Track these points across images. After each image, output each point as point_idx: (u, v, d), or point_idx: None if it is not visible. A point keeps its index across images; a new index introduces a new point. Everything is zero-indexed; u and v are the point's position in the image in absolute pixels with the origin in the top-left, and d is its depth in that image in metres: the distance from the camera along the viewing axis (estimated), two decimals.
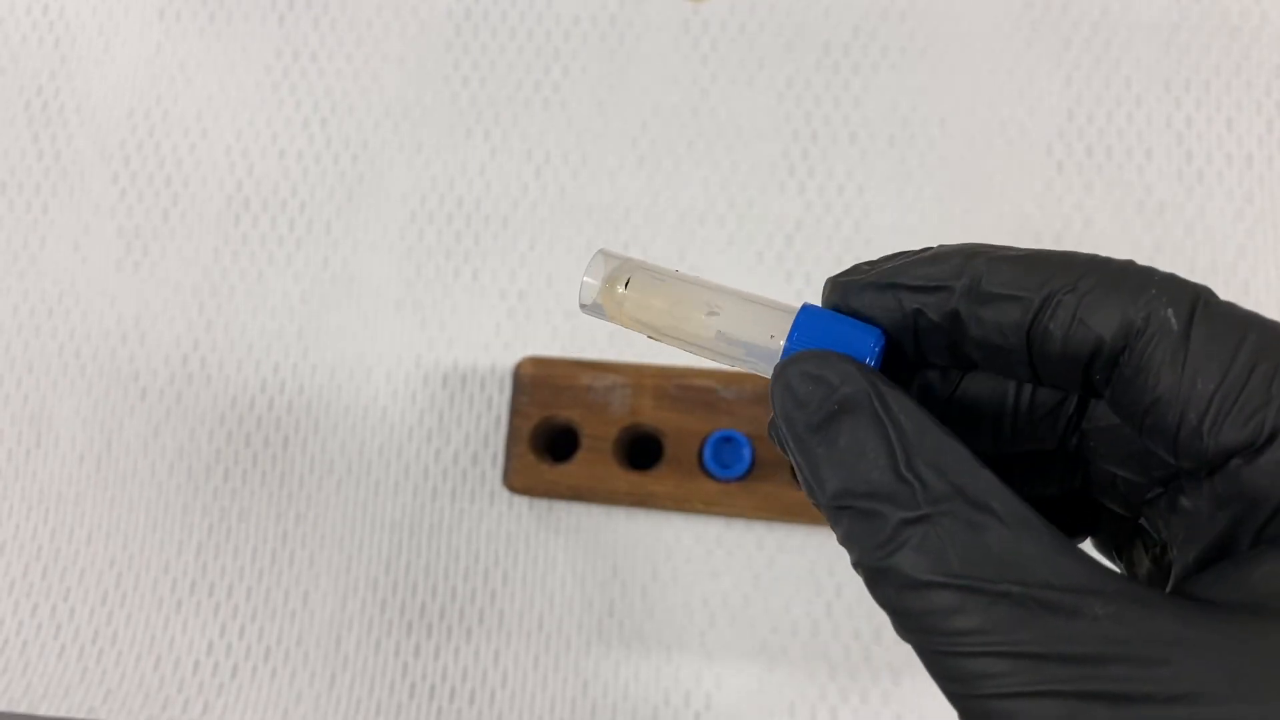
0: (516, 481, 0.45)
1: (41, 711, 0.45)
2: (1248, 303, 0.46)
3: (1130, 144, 0.49)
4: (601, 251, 0.22)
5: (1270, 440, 0.17)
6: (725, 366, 0.22)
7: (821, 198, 0.49)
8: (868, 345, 0.20)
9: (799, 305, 0.21)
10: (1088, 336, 0.18)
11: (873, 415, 0.18)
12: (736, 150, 0.50)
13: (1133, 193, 0.48)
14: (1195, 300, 0.18)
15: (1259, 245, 0.47)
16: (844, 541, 0.18)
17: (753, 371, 0.21)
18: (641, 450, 0.46)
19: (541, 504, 0.46)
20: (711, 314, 0.21)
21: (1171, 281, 0.18)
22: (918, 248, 0.21)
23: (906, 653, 0.44)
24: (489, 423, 0.47)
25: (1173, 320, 0.18)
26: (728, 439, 0.44)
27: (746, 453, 0.44)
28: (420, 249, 0.49)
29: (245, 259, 0.50)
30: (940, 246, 0.20)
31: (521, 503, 0.47)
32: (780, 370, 0.19)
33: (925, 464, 0.18)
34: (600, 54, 0.51)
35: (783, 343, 0.20)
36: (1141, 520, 0.21)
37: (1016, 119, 0.49)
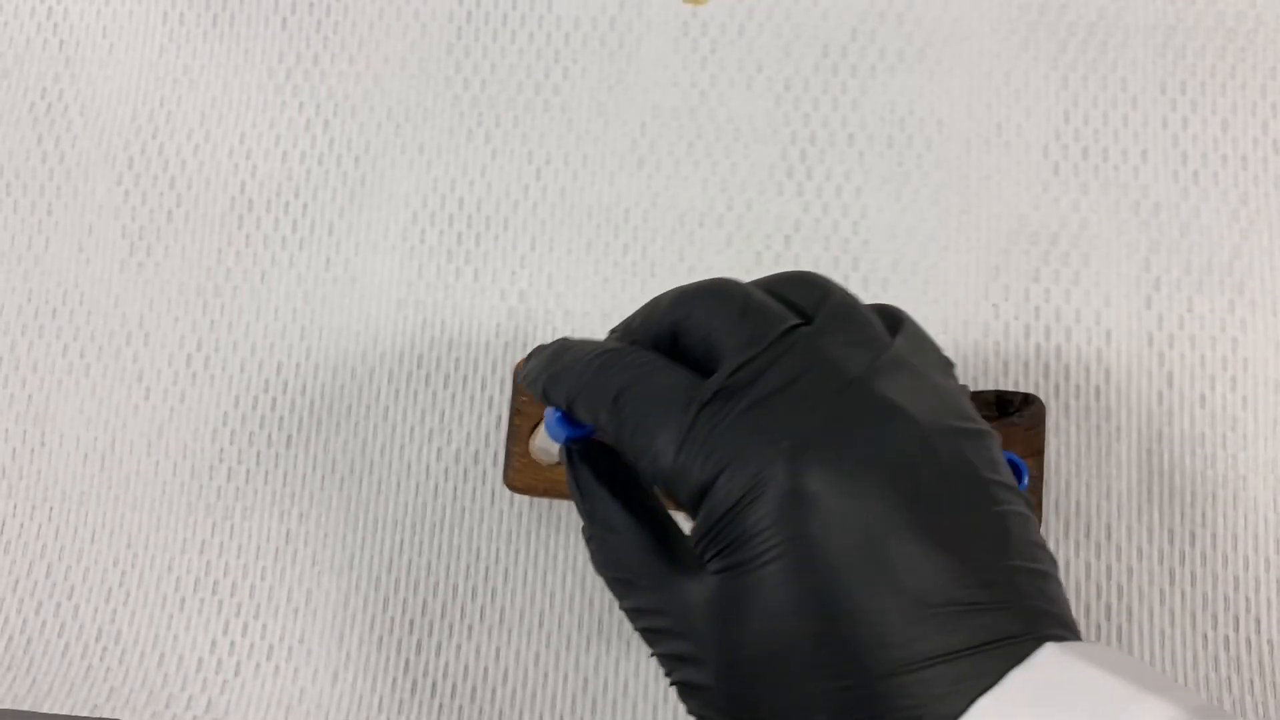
0: (517, 481, 0.46)
1: (45, 709, 0.46)
2: (1243, 303, 0.47)
3: (1126, 145, 0.49)
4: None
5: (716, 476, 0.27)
6: None
7: (820, 198, 0.49)
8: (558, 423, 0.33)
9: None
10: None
11: (574, 486, 0.33)
12: (736, 151, 0.50)
13: (1129, 193, 0.48)
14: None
15: (1254, 246, 0.47)
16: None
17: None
18: None
19: (541, 503, 0.47)
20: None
21: None
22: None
23: None
24: (489, 423, 0.48)
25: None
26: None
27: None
28: (421, 250, 0.50)
29: (248, 259, 0.50)
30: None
31: (522, 502, 0.47)
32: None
33: (594, 508, 0.32)
34: (600, 56, 0.51)
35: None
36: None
37: (1013, 120, 0.49)
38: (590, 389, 0.29)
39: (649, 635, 0.28)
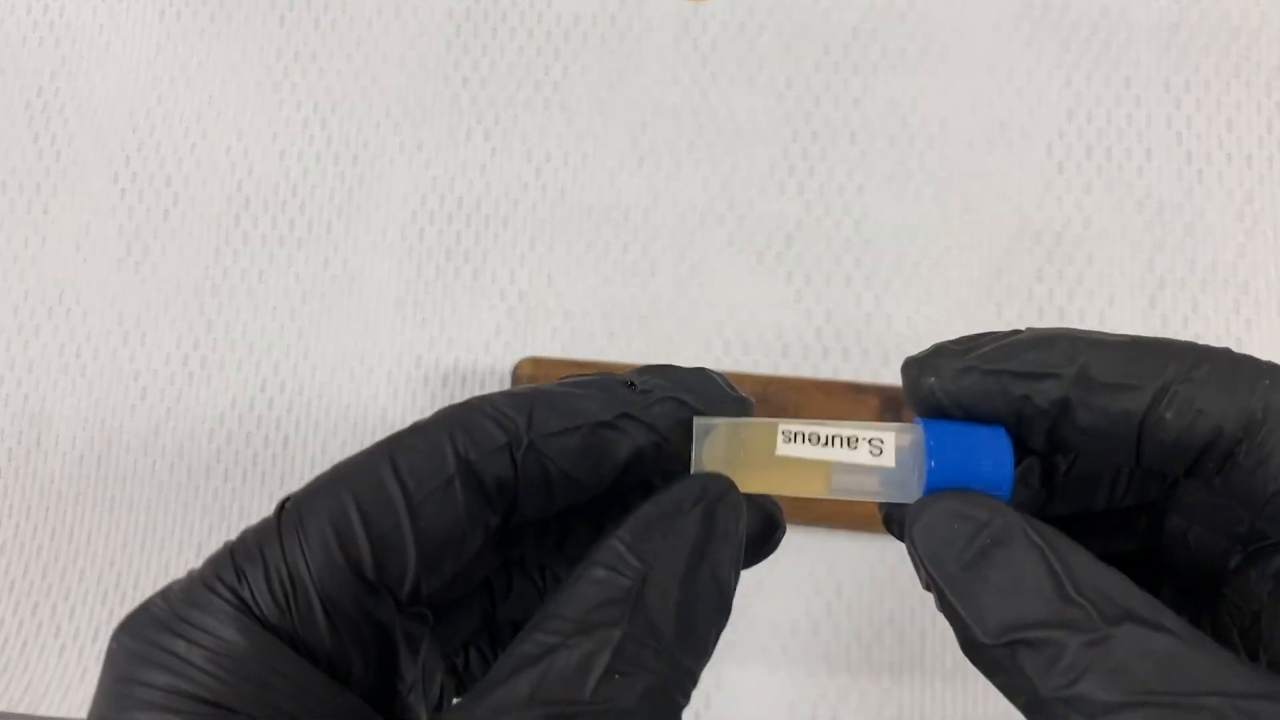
0: None
1: (42, 711, 0.45)
2: (1247, 302, 0.46)
3: (1130, 144, 0.49)
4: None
5: None
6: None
7: (821, 198, 0.49)
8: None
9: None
10: (1206, 427, 0.19)
11: (1029, 544, 0.18)
12: (736, 150, 0.50)
13: (1132, 192, 0.48)
14: None
15: (1258, 245, 0.47)
16: (1013, 681, 0.18)
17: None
18: None
19: None
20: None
21: (1276, 369, 0.19)
22: (1004, 329, 0.21)
23: (907, 653, 0.44)
24: None
25: None
26: None
27: None
28: (420, 249, 0.50)
29: (245, 259, 0.50)
30: (1034, 331, 0.20)
31: None
32: (917, 513, 0.19)
33: (1091, 588, 0.17)
34: (600, 54, 0.51)
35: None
36: (1225, 589, 0.21)
37: (1016, 119, 0.49)
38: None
39: None
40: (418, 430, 0.21)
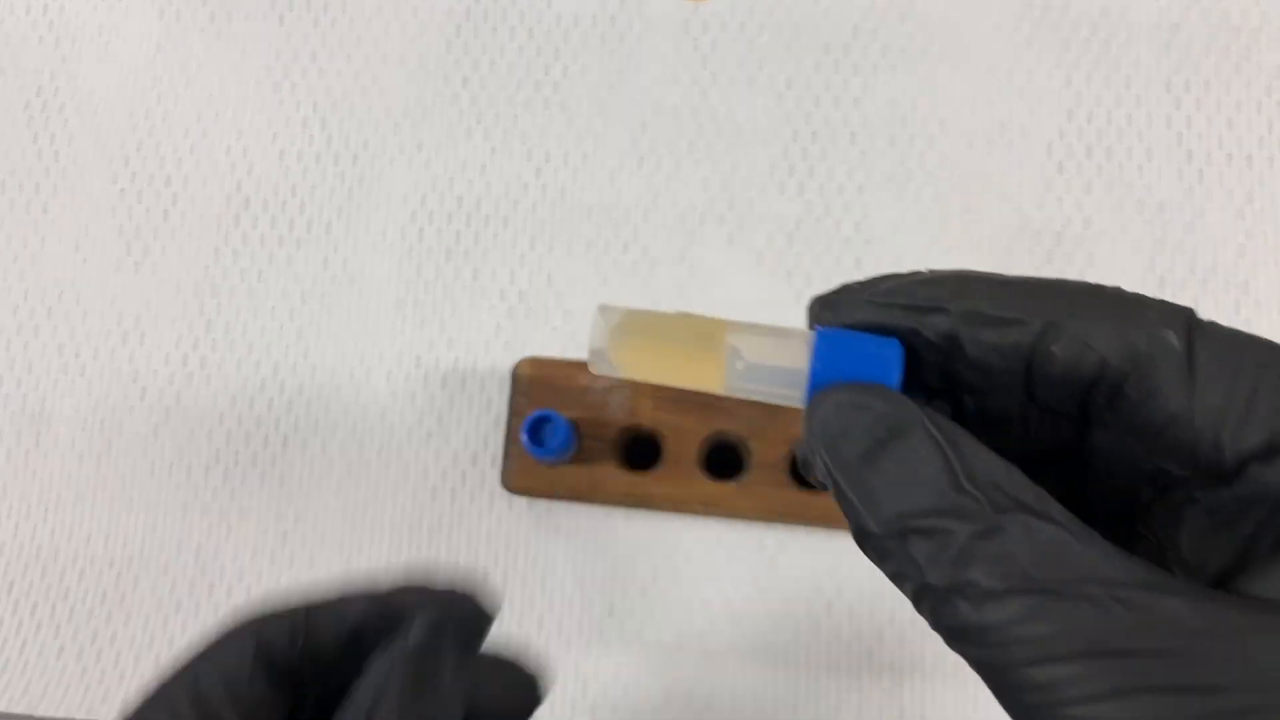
0: (516, 482, 0.45)
1: (40, 712, 0.45)
2: (1248, 302, 0.46)
3: (1130, 144, 0.48)
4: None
5: None
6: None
7: (821, 198, 0.49)
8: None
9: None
10: (1092, 360, 0.19)
11: (926, 435, 0.18)
12: (736, 150, 0.50)
13: (1133, 192, 0.48)
14: (1189, 321, 0.19)
15: (1259, 245, 0.47)
16: (902, 568, 0.18)
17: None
18: (640, 451, 0.46)
19: (541, 504, 0.46)
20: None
21: (1165, 306, 0.19)
22: (906, 270, 0.21)
23: (907, 653, 0.44)
24: (488, 423, 0.47)
25: (1175, 342, 0.18)
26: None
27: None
28: (420, 249, 0.49)
29: (245, 259, 0.50)
30: (933, 270, 0.20)
31: (521, 503, 0.47)
32: (816, 404, 0.19)
33: (984, 479, 0.18)
34: (600, 54, 0.51)
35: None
36: (1143, 528, 0.22)
37: (1016, 119, 0.49)
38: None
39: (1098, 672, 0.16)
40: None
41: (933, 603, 0.18)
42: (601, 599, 0.46)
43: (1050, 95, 0.49)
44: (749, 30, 0.51)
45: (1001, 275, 0.20)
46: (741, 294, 0.48)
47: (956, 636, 0.18)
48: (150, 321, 0.50)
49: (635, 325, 0.21)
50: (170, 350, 0.49)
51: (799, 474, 0.44)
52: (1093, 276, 0.49)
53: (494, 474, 0.47)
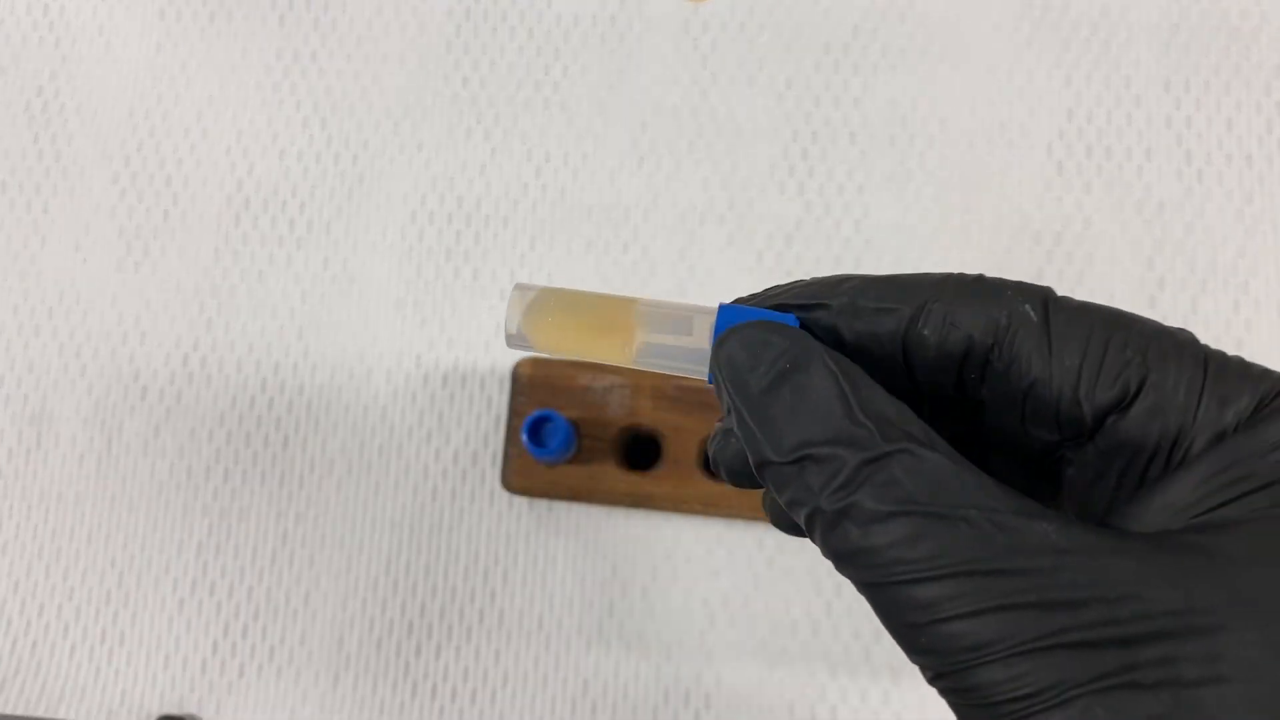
0: (516, 481, 0.45)
1: (60, 714, 0.45)
2: (1248, 302, 0.46)
3: (1130, 144, 0.48)
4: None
5: (1136, 394, 0.20)
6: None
7: (821, 198, 0.49)
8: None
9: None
10: (959, 337, 0.20)
11: (824, 369, 0.19)
12: (736, 150, 0.50)
13: (1132, 192, 0.48)
14: (1046, 296, 0.21)
15: (1258, 245, 0.47)
16: (798, 493, 0.19)
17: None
18: (640, 451, 0.46)
19: (541, 504, 0.47)
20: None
21: (1023, 285, 0.21)
22: (791, 280, 0.23)
23: None
24: (488, 423, 0.47)
25: (1031, 313, 0.20)
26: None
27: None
28: (420, 249, 0.50)
29: (245, 259, 0.50)
30: (813, 277, 0.22)
31: (521, 503, 0.47)
32: (724, 340, 0.21)
33: (876, 412, 0.19)
34: (600, 54, 0.51)
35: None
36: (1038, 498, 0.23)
37: (1016, 119, 0.49)
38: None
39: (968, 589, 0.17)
40: None
41: (823, 527, 0.19)
42: (601, 599, 0.46)
43: (1050, 95, 0.49)
44: (749, 30, 0.51)
45: (878, 275, 0.22)
46: (741, 294, 0.48)
47: (845, 559, 0.19)
48: (150, 321, 0.50)
49: (549, 303, 0.22)
50: (171, 350, 0.49)
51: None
52: (1092, 276, 0.49)
53: (494, 474, 0.47)
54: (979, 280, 0.21)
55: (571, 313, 0.22)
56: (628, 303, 0.22)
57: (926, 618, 0.18)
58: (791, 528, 0.23)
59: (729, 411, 0.21)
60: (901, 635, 0.19)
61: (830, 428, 0.19)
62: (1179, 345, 0.20)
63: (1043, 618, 0.17)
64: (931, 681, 0.19)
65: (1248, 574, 0.17)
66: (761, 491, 0.23)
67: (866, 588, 0.19)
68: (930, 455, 0.18)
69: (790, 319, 0.21)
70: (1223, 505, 0.18)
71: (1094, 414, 0.20)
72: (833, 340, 0.21)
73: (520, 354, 0.48)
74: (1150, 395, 0.19)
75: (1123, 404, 0.20)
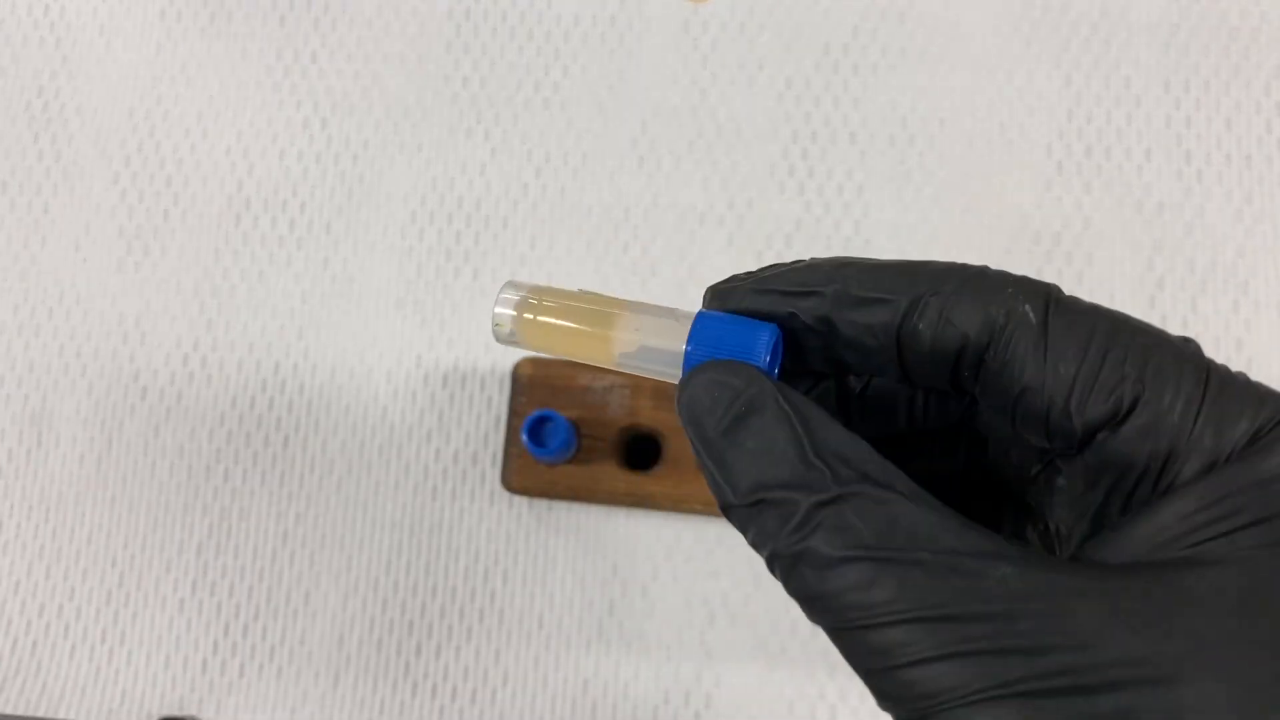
0: (515, 481, 0.45)
1: (61, 714, 0.46)
2: (1247, 302, 0.46)
3: (1130, 144, 0.49)
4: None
5: (1129, 411, 0.19)
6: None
7: (821, 198, 0.49)
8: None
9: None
10: (954, 334, 0.20)
11: (778, 411, 0.19)
12: (736, 150, 0.50)
13: (1132, 192, 0.48)
14: (1048, 296, 0.20)
15: (1258, 245, 0.47)
16: (758, 537, 0.19)
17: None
18: (640, 451, 0.46)
19: (541, 504, 0.47)
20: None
21: (1025, 282, 0.20)
22: (791, 260, 0.22)
23: None
24: (488, 423, 0.47)
25: (1031, 315, 0.19)
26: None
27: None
28: (420, 249, 0.50)
29: (246, 259, 0.50)
30: (814, 258, 0.21)
31: (521, 503, 0.47)
32: (685, 382, 0.20)
33: (831, 453, 0.19)
34: (600, 54, 0.51)
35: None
36: (1029, 500, 0.22)
37: (1016, 119, 0.49)
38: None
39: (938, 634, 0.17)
40: None
41: (782, 570, 0.19)
42: (601, 599, 0.46)
43: (1049, 95, 0.49)
44: (749, 30, 0.51)
45: (875, 260, 0.21)
46: None
47: (805, 603, 0.18)
48: (151, 321, 0.50)
49: (538, 302, 0.22)
50: (171, 350, 0.49)
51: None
52: (1092, 276, 0.49)
53: (494, 474, 0.47)
54: (982, 273, 0.20)
55: (558, 312, 0.22)
56: (613, 305, 0.22)
57: (884, 663, 0.17)
58: None
59: (694, 452, 0.20)
60: (866, 680, 0.18)
61: (784, 471, 0.19)
62: (1180, 360, 0.19)
63: (999, 665, 0.16)
64: None
65: (1221, 622, 0.17)
66: None
67: (830, 631, 0.18)
68: (886, 495, 0.18)
69: (772, 329, 0.21)
70: (1208, 540, 0.18)
71: (1084, 428, 0.19)
72: (825, 330, 0.21)
73: (520, 354, 0.48)
74: (1144, 414, 0.19)
75: (1114, 420, 0.19)
